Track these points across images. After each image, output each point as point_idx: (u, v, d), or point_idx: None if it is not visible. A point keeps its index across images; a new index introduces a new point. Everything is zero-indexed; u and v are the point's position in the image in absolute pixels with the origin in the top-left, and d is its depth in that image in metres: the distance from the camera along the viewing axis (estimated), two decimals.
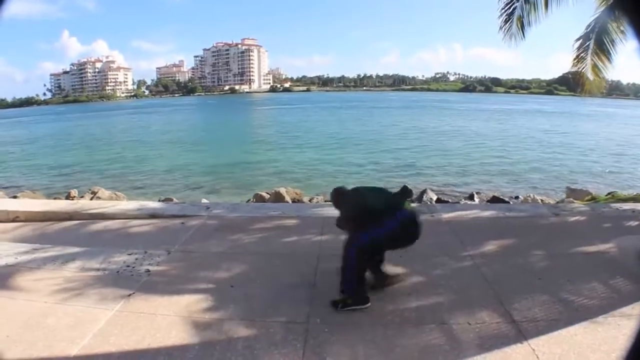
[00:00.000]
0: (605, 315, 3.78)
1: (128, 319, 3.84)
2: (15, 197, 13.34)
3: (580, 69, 8.82)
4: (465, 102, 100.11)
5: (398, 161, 23.81)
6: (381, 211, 4.01)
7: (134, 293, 4.34)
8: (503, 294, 4.21)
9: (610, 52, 8.43)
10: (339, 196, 4.45)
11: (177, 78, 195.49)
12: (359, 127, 44.83)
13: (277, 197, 13.43)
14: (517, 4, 8.38)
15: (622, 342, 3.38)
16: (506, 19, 8.57)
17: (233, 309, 4.01)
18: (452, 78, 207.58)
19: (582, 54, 8.70)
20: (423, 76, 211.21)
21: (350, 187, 4.60)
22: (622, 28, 8.11)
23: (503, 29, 8.69)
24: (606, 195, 12.74)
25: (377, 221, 3.96)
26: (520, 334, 3.52)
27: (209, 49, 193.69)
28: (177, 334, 3.61)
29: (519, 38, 8.66)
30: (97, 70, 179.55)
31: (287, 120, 56.80)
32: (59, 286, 4.51)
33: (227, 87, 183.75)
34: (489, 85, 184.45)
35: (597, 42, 8.44)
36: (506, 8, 8.52)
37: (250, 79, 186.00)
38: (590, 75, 8.76)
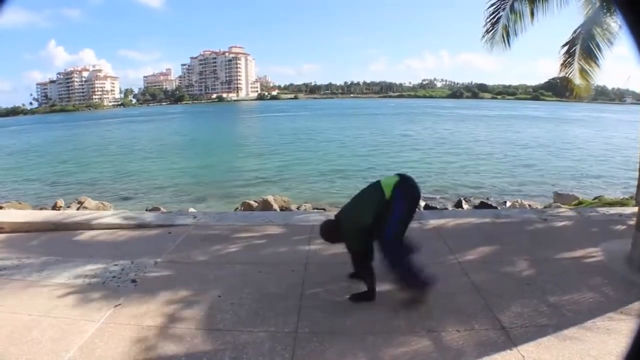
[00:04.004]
0: (594, 320, 3.79)
1: (114, 330, 3.78)
2: (0, 207, 13.19)
3: (567, 74, 8.89)
4: (459, 108, 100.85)
5: (384, 166, 23.85)
6: (379, 212, 4.08)
7: (120, 304, 4.28)
8: (491, 300, 4.20)
9: (597, 56, 8.52)
10: (332, 231, 4.35)
11: (164, 86, 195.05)
12: (361, 133, 45.27)
13: (265, 205, 13.44)
14: (502, 13, 8.43)
15: (611, 346, 3.39)
16: (490, 27, 8.61)
17: (220, 319, 3.96)
18: (439, 85, 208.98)
19: (569, 59, 8.76)
20: (410, 83, 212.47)
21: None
22: (607, 34, 8.22)
23: (486, 37, 8.73)
24: (593, 200, 12.86)
25: (385, 213, 4.06)
26: (510, 341, 3.51)
27: (196, 57, 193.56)
28: (163, 345, 3.56)
29: (502, 46, 8.71)
30: (84, 79, 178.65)
31: (280, 128, 56.90)
32: (43, 298, 4.44)
33: (214, 96, 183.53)
34: (476, 91, 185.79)
35: (583, 48, 8.51)
36: (491, 17, 8.56)
37: (237, 87, 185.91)
38: (577, 79, 8.83)
